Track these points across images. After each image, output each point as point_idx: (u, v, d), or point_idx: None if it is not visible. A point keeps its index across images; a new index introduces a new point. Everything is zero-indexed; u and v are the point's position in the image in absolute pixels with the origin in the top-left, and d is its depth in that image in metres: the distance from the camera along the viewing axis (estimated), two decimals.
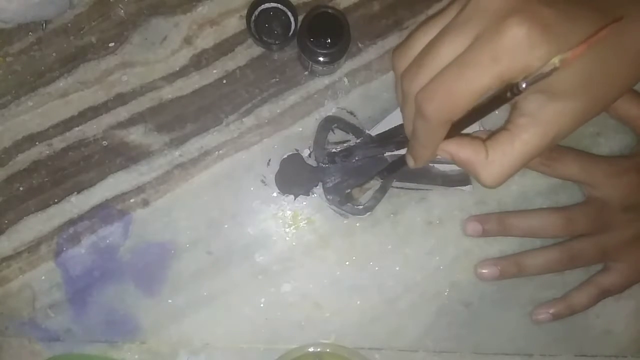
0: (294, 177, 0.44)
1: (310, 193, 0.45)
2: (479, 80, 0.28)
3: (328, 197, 0.44)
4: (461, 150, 0.34)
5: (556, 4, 0.28)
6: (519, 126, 0.32)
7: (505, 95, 0.28)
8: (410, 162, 0.37)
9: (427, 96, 0.30)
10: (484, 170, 0.34)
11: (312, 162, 0.45)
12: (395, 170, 0.42)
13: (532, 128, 0.32)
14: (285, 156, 0.45)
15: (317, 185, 0.44)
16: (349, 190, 0.44)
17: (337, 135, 0.45)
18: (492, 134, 0.34)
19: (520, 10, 0.28)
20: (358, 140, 0.44)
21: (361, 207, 0.44)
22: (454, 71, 0.29)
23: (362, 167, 0.44)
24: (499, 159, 0.33)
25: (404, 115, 0.35)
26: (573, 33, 0.28)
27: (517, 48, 0.27)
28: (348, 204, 0.44)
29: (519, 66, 0.28)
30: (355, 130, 0.44)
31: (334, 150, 0.44)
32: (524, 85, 0.27)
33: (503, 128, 0.34)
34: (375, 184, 0.44)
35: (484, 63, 0.28)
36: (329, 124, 0.45)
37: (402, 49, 0.34)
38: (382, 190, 0.44)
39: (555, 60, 0.26)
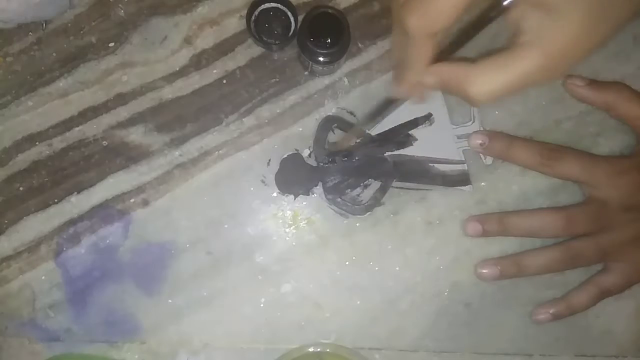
0: (294, 176, 0.44)
1: (310, 193, 0.45)
2: None
3: (328, 196, 0.44)
4: (448, 67, 0.32)
5: None
6: (519, 45, 0.30)
7: (489, 14, 0.28)
8: (395, 87, 0.35)
9: (409, 8, 0.30)
10: (475, 82, 0.31)
11: (312, 162, 0.45)
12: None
13: (533, 47, 0.30)
14: (286, 156, 0.45)
15: (317, 185, 0.44)
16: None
17: (337, 135, 0.45)
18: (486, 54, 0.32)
19: None
20: (358, 140, 0.44)
21: (361, 206, 0.44)
22: None
23: (362, 166, 0.44)
24: (494, 72, 0.31)
25: (393, 41, 0.34)
26: None
27: None
28: (346, 201, 0.44)
29: None
30: (355, 130, 0.44)
31: (334, 149, 0.44)
32: (505, 2, 0.26)
33: (501, 48, 0.31)
34: (375, 184, 0.44)
35: None
36: (329, 123, 0.45)
37: None
38: (382, 190, 0.44)
39: None
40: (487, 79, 0.31)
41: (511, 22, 0.31)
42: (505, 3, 0.27)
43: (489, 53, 0.31)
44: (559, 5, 0.29)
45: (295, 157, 0.45)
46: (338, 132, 0.45)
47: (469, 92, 0.32)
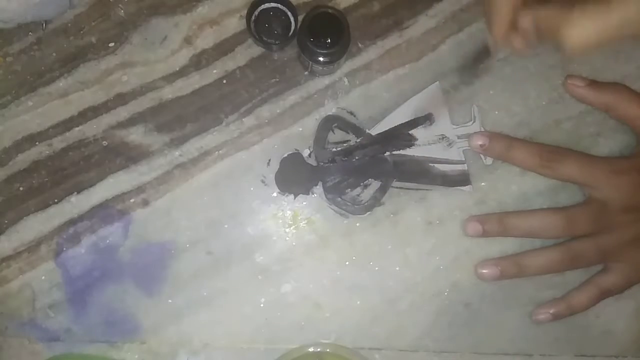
0: (294, 176, 0.44)
1: (310, 192, 0.45)
2: None
3: (328, 196, 0.44)
4: (544, 8, 0.31)
5: None
6: None
7: None
8: (491, 40, 0.35)
9: None
10: (574, 25, 0.30)
11: (312, 161, 0.45)
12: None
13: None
14: (286, 155, 0.45)
15: (317, 185, 0.44)
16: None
17: (337, 135, 0.45)
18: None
19: None
20: (358, 140, 0.44)
21: (361, 206, 0.44)
22: None
23: (362, 166, 0.44)
24: (595, 15, 0.30)
25: None
26: None
27: None
28: (346, 201, 0.44)
29: None
30: (356, 130, 0.44)
31: (334, 149, 0.44)
32: None
33: None
34: (375, 183, 0.44)
35: None
36: (329, 123, 0.45)
37: None
38: (382, 190, 0.44)
39: None
40: (587, 22, 0.30)
41: None
42: None
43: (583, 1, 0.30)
44: None
45: (295, 156, 0.45)
46: (338, 132, 0.45)
47: (567, 35, 0.30)
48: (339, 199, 0.44)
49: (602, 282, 0.43)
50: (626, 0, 0.29)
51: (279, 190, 0.45)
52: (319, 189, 0.44)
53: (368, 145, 0.44)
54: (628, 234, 0.42)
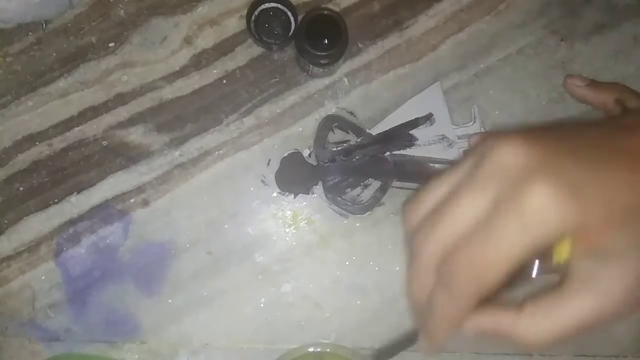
0: (294, 175, 0.44)
1: (310, 192, 0.44)
2: (509, 250, 0.25)
3: (328, 196, 0.44)
4: (490, 316, 0.29)
5: (581, 160, 0.25)
6: (571, 290, 0.28)
7: (519, 274, 0.26)
8: (425, 347, 0.30)
9: (454, 269, 0.27)
10: (525, 331, 0.28)
11: (312, 161, 0.45)
12: None
13: (586, 294, 0.27)
14: (286, 155, 0.45)
15: (317, 184, 0.44)
16: None
17: (337, 135, 0.45)
18: (533, 296, 0.29)
19: (544, 167, 0.25)
20: (358, 140, 0.44)
21: (361, 206, 0.44)
22: (480, 240, 0.26)
23: (362, 166, 0.44)
24: (545, 318, 0.28)
25: (413, 274, 0.29)
26: (602, 193, 0.25)
27: (545, 211, 0.24)
28: (346, 200, 0.44)
29: (550, 232, 0.25)
30: (356, 130, 0.44)
31: (334, 149, 0.44)
32: (534, 274, 0.27)
33: (550, 290, 0.29)
34: (375, 183, 0.44)
35: (513, 231, 0.25)
36: (329, 123, 0.45)
37: (413, 204, 0.30)
38: (382, 190, 0.44)
39: (562, 257, 0.25)
40: (538, 327, 0.28)
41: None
42: (533, 275, 0.27)
43: (534, 297, 0.29)
44: (615, 255, 0.27)
45: (296, 156, 0.45)
46: (338, 131, 0.45)
47: (520, 342, 0.28)
48: (339, 198, 0.44)
49: None
50: (575, 300, 0.27)
51: (279, 190, 0.45)
52: (319, 188, 0.44)
53: (368, 145, 0.44)
54: None
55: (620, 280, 0.27)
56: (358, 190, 0.45)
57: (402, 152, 0.44)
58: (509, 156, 0.25)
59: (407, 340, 0.33)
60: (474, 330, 0.29)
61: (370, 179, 0.45)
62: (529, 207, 0.24)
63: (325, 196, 0.44)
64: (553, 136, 0.26)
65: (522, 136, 0.26)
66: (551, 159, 0.25)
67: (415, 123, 0.44)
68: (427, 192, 0.29)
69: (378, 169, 0.44)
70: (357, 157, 0.44)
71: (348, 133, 0.45)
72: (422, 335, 0.30)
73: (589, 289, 0.27)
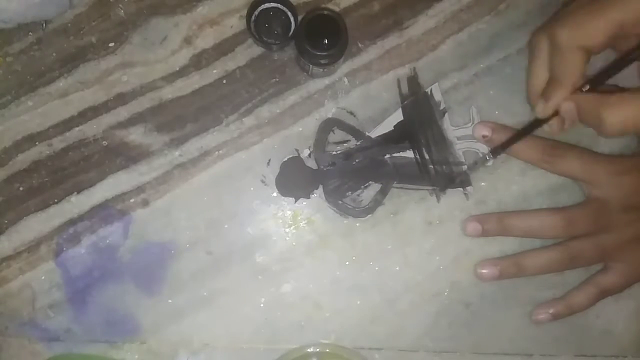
0: (294, 179, 0.44)
1: (311, 196, 0.44)
2: (607, 17, 0.35)
3: (329, 199, 0.44)
4: (585, 95, 0.37)
5: None
6: None
7: (628, 57, 0.35)
8: (540, 106, 0.40)
9: (563, 22, 0.36)
10: (611, 110, 0.35)
11: (312, 163, 0.45)
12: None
13: None
14: (286, 159, 0.45)
15: (317, 188, 0.44)
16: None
17: (337, 135, 0.45)
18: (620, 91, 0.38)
19: None
20: (358, 143, 0.44)
21: (362, 209, 0.44)
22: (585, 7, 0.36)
23: (362, 169, 0.44)
24: (629, 104, 0.35)
25: (532, 69, 0.40)
26: None
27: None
28: (346, 204, 0.44)
29: (638, 12, 0.34)
30: (356, 132, 0.44)
31: (334, 152, 0.44)
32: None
33: (635, 89, 0.38)
34: (376, 186, 0.44)
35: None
36: (329, 126, 0.45)
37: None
38: (383, 193, 0.44)
39: None
40: (622, 109, 0.35)
41: None
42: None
43: (621, 91, 0.37)
44: None
45: (296, 160, 0.45)
46: (338, 131, 0.45)
47: (605, 118, 0.36)
48: (340, 202, 0.44)
49: (602, 282, 0.43)
50: None
51: (276, 187, 0.45)
52: (319, 191, 0.44)
53: (368, 148, 0.44)
54: (627, 233, 0.42)
55: None
56: (359, 193, 0.45)
57: (402, 154, 0.44)
58: None
59: (524, 130, 0.42)
60: (572, 105, 0.38)
61: (370, 182, 0.45)
62: None
63: (326, 200, 0.44)
64: None
65: None
66: None
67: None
68: None
69: (378, 171, 0.44)
70: (357, 160, 0.44)
71: (348, 136, 0.45)
72: (541, 98, 0.40)
73: None
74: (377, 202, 0.44)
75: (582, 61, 0.37)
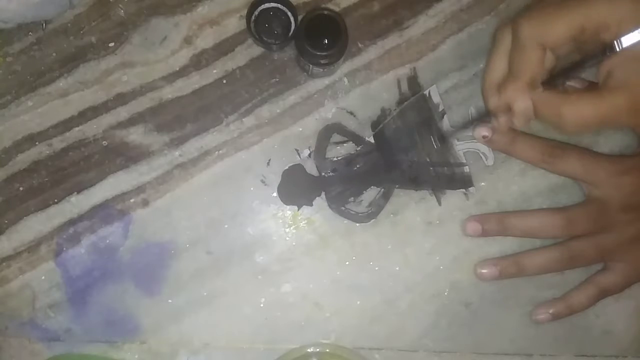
0: (296, 188, 0.44)
1: (313, 203, 0.44)
2: (570, 18, 0.35)
3: (332, 206, 0.44)
4: (544, 93, 0.38)
5: None
6: (610, 86, 0.36)
7: (599, 53, 0.36)
8: (494, 99, 0.40)
9: (528, 18, 0.36)
10: (570, 108, 0.36)
11: (312, 166, 0.44)
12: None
13: (623, 90, 0.35)
14: (287, 168, 0.44)
15: (320, 195, 0.44)
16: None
17: (337, 145, 0.45)
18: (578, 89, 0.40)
19: None
20: (358, 148, 0.44)
21: (365, 214, 0.44)
22: (552, 6, 0.36)
23: (364, 174, 0.44)
24: (587, 103, 0.36)
25: (491, 61, 0.40)
26: None
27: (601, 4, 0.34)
28: (349, 210, 0.44)
29: (601, 19, 0.34)
30: (355, 138, 0.44)
31: (335, 159, 0.44)
32: (617, 48, 0.34)
33: (592, 87, 0.38)
34: (378, 190, 0.44)
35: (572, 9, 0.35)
36: (328, 133, 0.44)
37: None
38: (385, 197, 0.44)
39: None
40: (580, 107, 0.36)
41: (605, 69, 0.37)
42: (617, 48, 0.35)
43: (579, 89, 0.39)
44: None
45: (297, 168, 0.44)
46: (338, 138, 0.45)
47: (565, 114, 0.36)
48: (343, 208, 0.44)
49: (602, 282, 0.43)
50: (613, 95, 0.36)
51: (278, 195, 0.45)
52: (321, 198, 0.44)
53: (369, 153, 0.44)
54: (627, 233, 0.42)
55: None
56: (361, 198, 0.44)
57: (403, 157, 0.44)
58: None
59: (481, 117, 0.42)
60: (529, 102, 0.38)
61: (372, 187, 0.44)
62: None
63: (329, 207, 0.44)
64: None
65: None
66: None
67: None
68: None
69: (380, 176, 0.44)
70: (358, 166, 0.44)
71: (348, 142, 0.44)
72: (494, 91, 0.40)
73: (626, 87, 0.35)
74: (380, 207, 0.44)
75: (540, 58, 0.37)
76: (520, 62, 0.38)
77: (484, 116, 0.42)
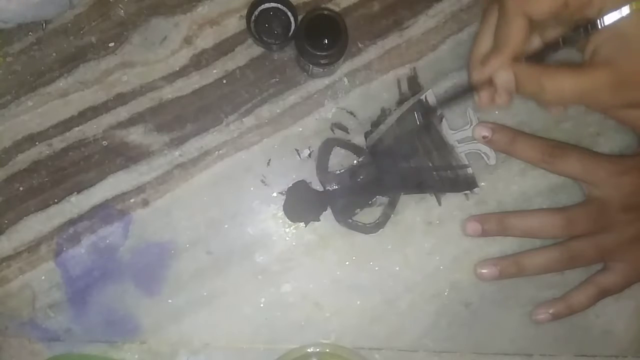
0: (302, 204, 0.44)
1: (320, 218, 0.44)
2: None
3: (338, 219, 0.44)
4: (525, 64, 0.38)
5: None
6: (594, 62, 0.37)
7: (580, 30, 0.36)
8: (476, 72, 0.40)
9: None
10: (551, 79, 0.36)
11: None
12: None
13: (606, 66, 0.36)
14: (290, 185, 0.44)
15: (326, 210, 0.44)
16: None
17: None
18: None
19: None
20: (360, 159, 0.44)
21: (372, 224, 0.44)
22: None
23: (368, 184, 0.44)
24: (568, 76, 0.36)
25: (478, 35, 0.41)
26: None
27: None
28: (356, 222, 0.44)
29: None
30: (356, 150, 0.44)
31: (338, 172, 0.44)
32: (600, 26, 0.34)
33: (576, 64, 0.38)
34: (384, 199, 0.44)
35: None
36: (329, 146, 0.44)
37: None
38: (391, 205, 0.44)
39: (632, 7, 0.32)
40: (561, 79, 0.37)
41: (591, 46, 0.37)
42: (599, 26, 0.35)
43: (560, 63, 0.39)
44: (638, 38, 0.35)
45: (300, 184, 0.44)
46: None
47: (546, 85, 0.37)
48: (350, 220, 0.44)
49: (602, 282, 0.43)
50: (595, 69, 0.36)
51: (279, 190, 0.45)
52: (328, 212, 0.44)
53: (371, 163, 0.44)
54: (627, 233, 0.42)
55: (637, 60, 0.36)
56: (367, 209, 0.44)
57: (405, 164, 0.44)
58: None
59: (464, 92, 0.42)
60: (511, 74, 0.38)
61: (377, 196, 0.44)
62: None
63: (337, 220, 0.44)
64: None
65: None
66: None
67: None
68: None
69: (384, 184, 0.44)
70: (361, 177, 0.44)
71: (349, 153, 0.44)
72: (478, 64, 0.40)
73: (608, 63, 0.36)
74: (387, 216, 0.44)
75: (524, 30, 0.37)
76: (504, 35, 0.38)
77: (467, 91, 0.42)
